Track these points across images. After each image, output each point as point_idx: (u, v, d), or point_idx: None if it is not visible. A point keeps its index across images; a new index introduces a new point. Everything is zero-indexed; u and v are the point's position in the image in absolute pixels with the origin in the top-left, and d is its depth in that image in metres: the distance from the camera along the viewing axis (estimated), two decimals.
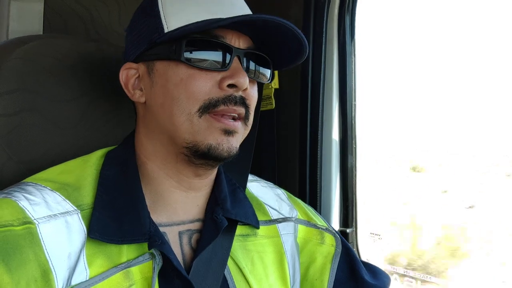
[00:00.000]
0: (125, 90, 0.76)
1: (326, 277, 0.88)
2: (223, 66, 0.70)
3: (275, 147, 1.28)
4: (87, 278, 0.62)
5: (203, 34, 0.70)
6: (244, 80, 0.70)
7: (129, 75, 0.76)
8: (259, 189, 0.92)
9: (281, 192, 0.96)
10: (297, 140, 1.26)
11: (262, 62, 0.77)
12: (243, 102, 0.72)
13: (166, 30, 0.70)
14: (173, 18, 0.70)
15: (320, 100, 1.24)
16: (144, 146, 0.76)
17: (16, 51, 0.79)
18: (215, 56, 0.70)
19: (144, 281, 0.66)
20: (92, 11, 1.10)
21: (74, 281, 0.61)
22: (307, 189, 1.24)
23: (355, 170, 1.26)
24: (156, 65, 0.72)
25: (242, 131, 0.74)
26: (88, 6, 1.10)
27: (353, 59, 1.27)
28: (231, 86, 0.70)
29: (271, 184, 0.97)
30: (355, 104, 1.27)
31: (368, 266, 0.95)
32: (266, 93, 1.26)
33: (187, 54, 0.69)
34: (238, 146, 0.73)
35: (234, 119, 0.71)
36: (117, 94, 0.87)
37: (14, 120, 0.78)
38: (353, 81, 1.27)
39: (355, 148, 1.26)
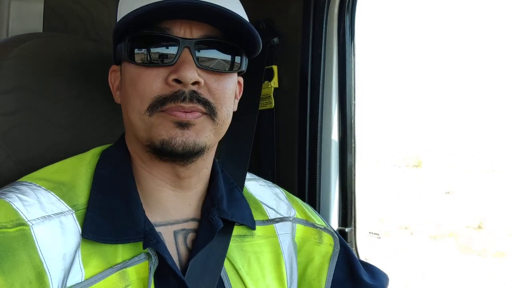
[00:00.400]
0: (112, 92, 0.78)
1: (323, 277, 0.88)
2: (170, 60, 0.66)
3: (275, 146, 1.28)
4: (83, 279, 0.62)
5: (150, 29, 0.66)
6: (188, 74, 0.65)
7: (115, 77, 0.77)
8: (257, 188, 0.92)
9: (279, 191, 0.95)
10: (296, 139, 1.26)
11: (229, 49, 0.70)
12: (196, 98, 0.67)
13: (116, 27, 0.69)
14: (121, 13, 0.69)
15: (320, 99, 1.24)
16: (129, 146, 0.76)
17: (14, 49, 0.79)
18: (160, 50, 0.66)
19: (140, 282, 0.66)
20: (92, 11, 1.10)
21: (69, 283, 0.61)
22: (306, 189, 1.23)
23: (354, 170, 1.26)
24: (123, 66, 0.73)
25: (206, 125, 0.69)
26: (88, 6, 1.10)
27: (352, 59, 1.27)
28: (177, 81, 0.66)
29: (269, 183, 0.97)
30: (354, 104, 1.26)
31: (367, 266, 0.94)
32: (266, 93, 1.26)
33: (132, 52, 0.67)
34: (201, 140, 0.68)
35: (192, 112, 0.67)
36: None
37: (13, 119, 0.78)
38: (353, 81, 1.27)
39: (354, 147, 1.26)
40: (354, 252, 1.22)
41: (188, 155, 0.69)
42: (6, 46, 0.80)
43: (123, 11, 0.68)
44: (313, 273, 0.88)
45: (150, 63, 0.66)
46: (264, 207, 0.88)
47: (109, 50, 0.91)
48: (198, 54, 0.67)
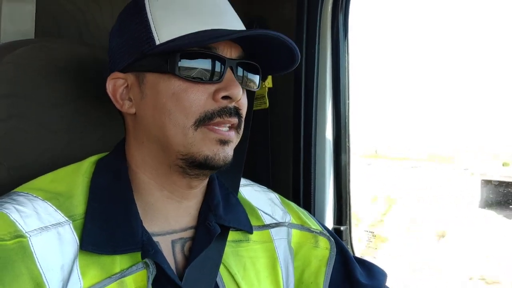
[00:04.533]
0: (113, 101, 0.74)
1: (321, 281, 0.88)
2: (217, 77, 0.69)
3: (269, 146, 1.28)
4: None
5: (197, 47, 0.69)
6: (238, 92, 0.69)
7: (116, 85, 0.74)
8: (252, 193, 0.92)
9: (274, 196, 0.95)
10: (290, 138, 1.26)
11: (252, 69, 0.76)
12: (236, 112, 0.71)
13: (157, 42, 0.68)
14: (164, 28, 0.69)
15: (314, 98, 1.24)
16: (134, 157, 0.75)
17: (7, 56, 0.78)
18: (208, 67, 0.69)
19: None
20: (85, 12, 1.09)
21: None
22: (301, 188, 1.24)
23: (349, 169, 1.27)
24: (146, 77, 0.71)
25: (235, 140, 0.74)
26: (81, 6, 1.09)
27: (346, 58, 1.27)
28: (225, 97, 0.69)
29: (264, 188, 0.97)
30: (348, 103, 1.27)
31: (364, 264, 0.95)
32: (260, 93, 1.26)
33: (180, 67, 0.68)
34: (232, 153, 0.73)
35: (229, 128, 0.71)
36: (109, 99, 0.88)
37: (5, 125, 0.77)
38: (347, 80, 1.27)
39: (349, 146, 1.27)
40: (350, 250, 1.23)
41: (222, 168, 0.72)
42: None
43: (168, 29, 0.68)
44: (310, 277, 0.89)
45: (198, 79, 0.68)
46: (260, 212, 0.88)
47: (103, 54, 0.91)
48: (238, 73, 0.72)
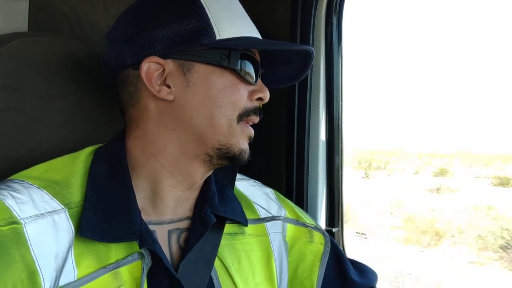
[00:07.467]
0: (148, 84, 0.72)
1: (315, 275, 0.89)
2: (255, 80, 0.77)
3: (262, 147, 1.28)
4: (75, 279, 0.62)
5: (251, 49, 0.77)
6: (268, 95, 0.79)
7: (151, 68, 0.72)
8: (248, 187, 0.93)
9: (269, 191, 0.96)
10: (284, 140, 1.26)
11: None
12: (260, 114, 0.80)
13: (217, 37, 0.72)
14: (225, 27, 0.73)
15: (307, 100, 1.25)
16: (153, 143, 0.74)
17: (1, 48, 0.78)
18: (251, 70, 0.77)
19: (132, 281, 0.66)
20: (78, 10, 1.09)
21: (62, 282, 0.61)
22: (293, 189, 1.24)
23: (342, 170, 1.27)
24: (195, 67, 0.73)
25: None
26: (74, 5, 1.09)
27: (340, 60, 1.28)
28: (258, 99, 0.78)
29: (259, 183, 0.98)
30: (341, 105, 1.27)
31: (356, 264, 0.96)
32: None
33: (238, 65, 0.74)
34: None
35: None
36: (104, 93, 0.87)
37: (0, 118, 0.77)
38: (340, 82, 1.28)
39: (342, 148, 1.27)
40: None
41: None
42: None
43: (228, 27, 0.74)
44: (304, 272, 0.89)
45: (247, 78, 0.76)
46: (255, 206, 0.89)
47: (96, 49, 0.91)
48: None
